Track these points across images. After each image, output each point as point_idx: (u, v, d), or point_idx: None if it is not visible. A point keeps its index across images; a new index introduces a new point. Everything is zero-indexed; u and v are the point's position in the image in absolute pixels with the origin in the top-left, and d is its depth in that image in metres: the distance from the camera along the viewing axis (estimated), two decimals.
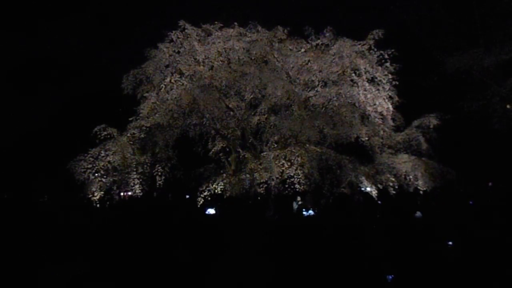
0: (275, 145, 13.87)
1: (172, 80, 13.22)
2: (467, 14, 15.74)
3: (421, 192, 12.92)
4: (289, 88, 12.84)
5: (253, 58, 13.56)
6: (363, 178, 13.43)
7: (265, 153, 13.28)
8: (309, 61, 13.83)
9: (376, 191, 12.97)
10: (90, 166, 12.66)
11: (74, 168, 12.60)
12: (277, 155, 12.71)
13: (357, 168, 13.54)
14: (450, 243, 4.42)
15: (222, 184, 13.23)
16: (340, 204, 4.81)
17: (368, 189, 13.18)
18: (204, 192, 13.03)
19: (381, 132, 13.89)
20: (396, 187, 13.53)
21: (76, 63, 21.70)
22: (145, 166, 13.34)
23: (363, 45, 13.70)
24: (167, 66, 13.76)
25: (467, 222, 5.00)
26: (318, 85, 13.98)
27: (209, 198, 11.96)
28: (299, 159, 12.41)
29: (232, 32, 13.75)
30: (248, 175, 12.88)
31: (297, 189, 12.02)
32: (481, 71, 15.61)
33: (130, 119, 13.45)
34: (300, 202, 9.25)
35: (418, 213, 5.83)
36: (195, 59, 13.76)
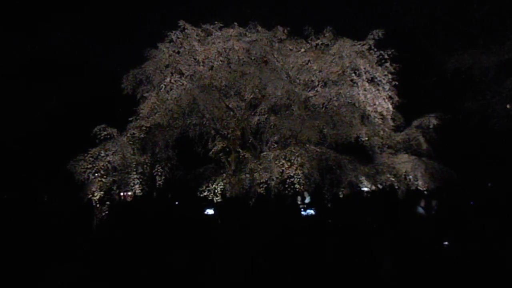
0: (275, 145, 13.88)
1: (172, 80, 13.24)
2: (467, 14, 15.71)
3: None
4: (289, 88, 12.85)
5: (253, 58, 13.57)
6: (363, 178, 13.44)
7: (265, 153, 13.29)
8: (309, 61, 13.85)
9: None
10: (90, 166, 12.64)
11: (74, 168, 12.57)
12: (277, 155, 12.72)
13: (357, 168, 13.54)
14: (446, 243, 4.42)
15: (222, 184, 13.24)
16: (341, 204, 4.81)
17: (365, 189, 13.17)
18: (204, 192, 13.05)
19: (381, 132, 13.89)
20: (396, 187, 13.51)
21: (76, 63, 21.67)
22: (145, 166, 13.31)
23: (363, 45, 13.71)
24: (167, 66, 13.75)
25: (467, 222, 4.99)
26: (318, 85, 14.00)
27: (210, 197, 11.96)
28: (299, 159, 12.41)
29: (232, 32, 13.75)
30: (248, 175, 12.89)
31: (297, 189, 12.01)
32: (481, 71, 15.57)
33: (130, 119, 13.47)
34: (307, 201, 9.20)
35: (420, 210, 5.77)
36: (195, 59, 13.77)
